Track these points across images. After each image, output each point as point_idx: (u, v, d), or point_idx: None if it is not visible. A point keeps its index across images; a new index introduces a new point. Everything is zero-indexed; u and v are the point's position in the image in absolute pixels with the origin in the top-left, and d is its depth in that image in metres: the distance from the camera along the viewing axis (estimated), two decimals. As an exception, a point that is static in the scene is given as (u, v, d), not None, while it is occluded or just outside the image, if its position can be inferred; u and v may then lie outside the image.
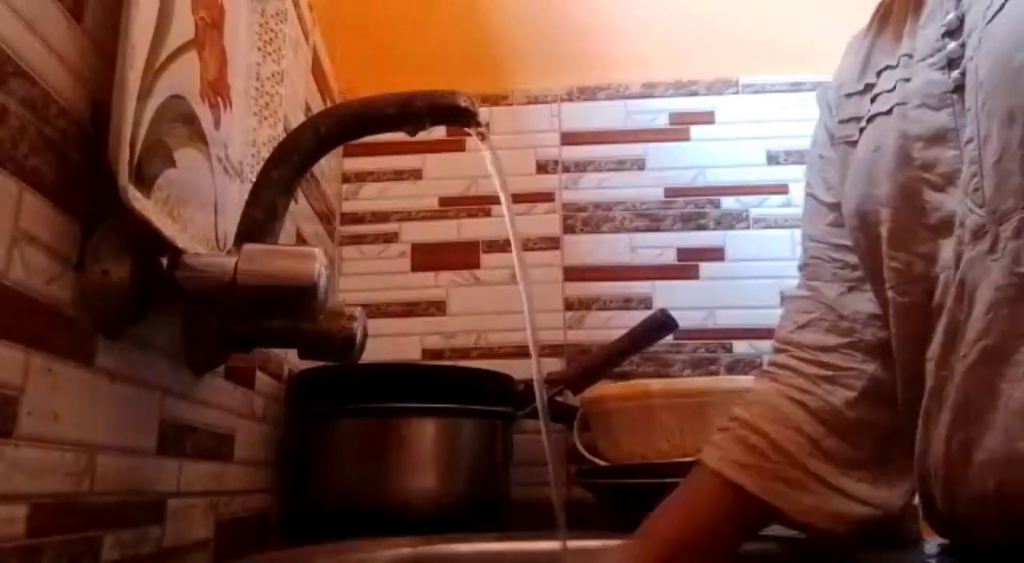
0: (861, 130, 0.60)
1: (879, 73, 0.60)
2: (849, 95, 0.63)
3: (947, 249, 0.51)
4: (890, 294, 0.56)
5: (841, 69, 0.68)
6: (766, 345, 0.85)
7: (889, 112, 0.56)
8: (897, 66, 0.58)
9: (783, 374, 0.64)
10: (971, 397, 0.48)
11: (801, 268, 0.70)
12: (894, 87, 0.57)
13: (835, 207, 0.65)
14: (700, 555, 0.58)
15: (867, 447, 0.61)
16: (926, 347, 0.53)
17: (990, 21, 0.49)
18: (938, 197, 0.52)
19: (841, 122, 0.64)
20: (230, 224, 0.62)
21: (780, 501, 0.58)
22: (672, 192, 1.19)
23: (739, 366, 1.11)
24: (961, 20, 0.52)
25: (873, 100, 0.59)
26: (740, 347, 1.12)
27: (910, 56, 0.56)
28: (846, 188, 0.61)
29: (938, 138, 0.52)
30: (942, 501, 0.52)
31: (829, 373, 0.62)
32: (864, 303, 0.62)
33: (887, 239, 0.55)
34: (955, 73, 0.52)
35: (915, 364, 0.54)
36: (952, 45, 0.52)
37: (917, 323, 0.53)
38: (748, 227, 1.17)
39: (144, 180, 0.47)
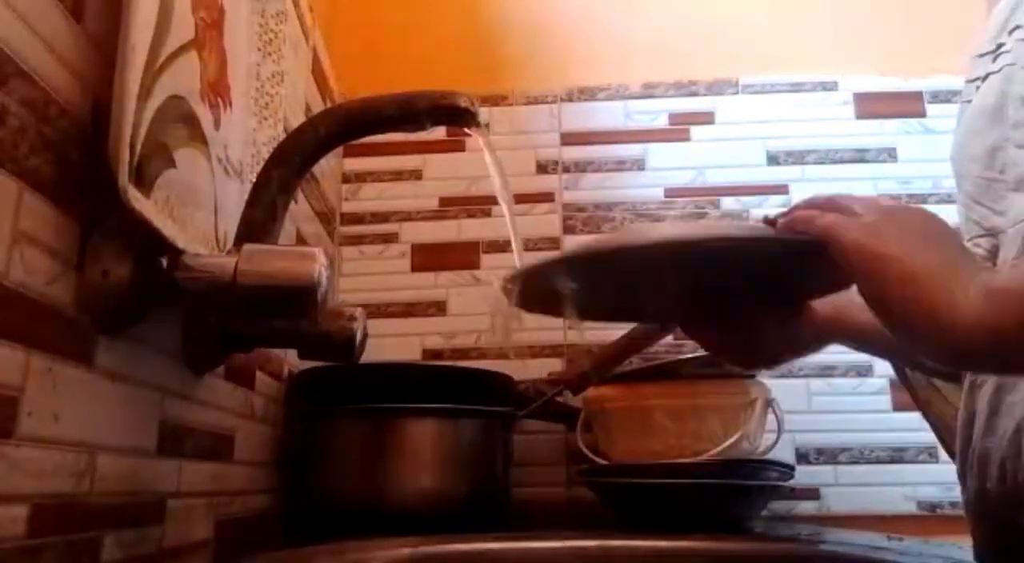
0: (977, 88, 0.60)
1: (1011, 31, 0.59)
2: (981, 55, 0.62)
3: (1019, 205, 0.52)
4: (968, 245, 0.56)
5: (985, 29, 0.66)
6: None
7: (999, 71, 0.57)
8: (1023, 26, 0.57)
9: None
10: None
11: None
12: (1012, 48, 0.57)
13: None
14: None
15: None
16: None
17: None
18: (1019, 154, 0.53)
19: (968, 82, 0.63)
20: (230, 224, 0.62)
21: None
22: (672, 192, 1.19)
23: (739, 366, 1.11)
24: None
25: (995, 59, 0.59)
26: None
27: None
28: (952, 141, 0.62)
29: None
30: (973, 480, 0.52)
31: None
32: None
33: (969, 192, 0.57)
34: None
35: None
36: None
37: None
38: (748, 227, 1.17)
39: (144, 180, 0.47)
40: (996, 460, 0.51)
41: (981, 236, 0.55)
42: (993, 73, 0.58)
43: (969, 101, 0.62)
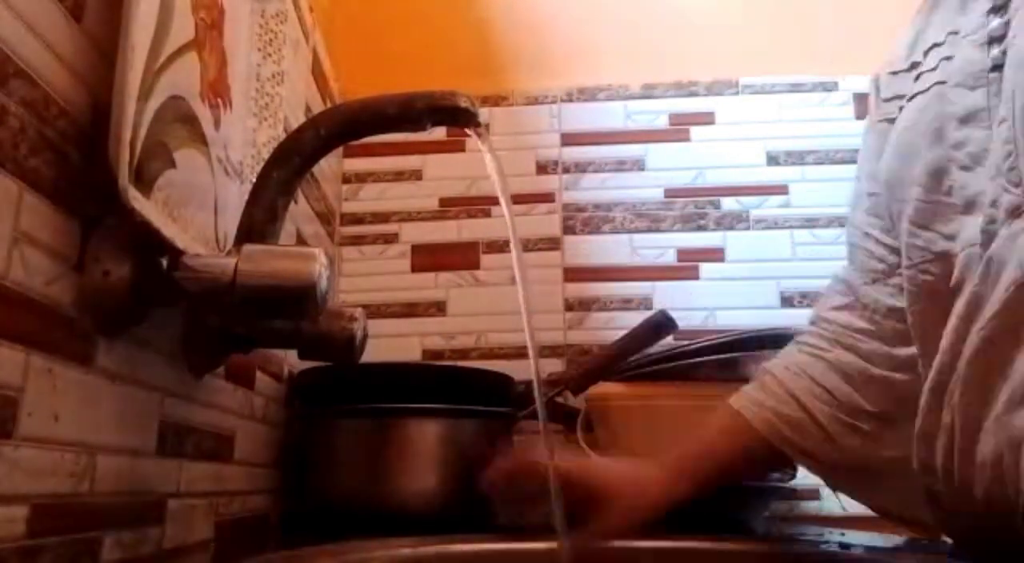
0: (901, 109, 0.60)
1: (927, 51, 0.59)
2: (895, 73, 0.63)
3: (971, 228, 0.50)
4: (909, 273, 0.56)
5: (894, 47, 0.67)
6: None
7: (927, 91, 0.56)
8: (943, 44, 0.57)
9: (811, 341, 0.67)
10: (980, 372, 0.48)
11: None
12: (936, 66, 0.56)
13: (872, 195, 0.66)
14: (707, 478, 0.63)
15: (878, 403, 0.63)
16: (941, 327, 0.53)
17: None
18: (964, 176, 0.52)
19: (885, 101, 0.64)
20: (230, 225, 0.62)
21: (781, 441, 0.63)
22: (672, 193, 1.19)
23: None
24: None
25: (917, 78, 0.59)
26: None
27: (956, 33, 0.56)
28: (881, 165, 0.62)
29: (971, 118, 0.51)
30: (947, 493, 0.52)
31: (854, 343, 0.65)
32: (885, 296, 0.63)
33: (911, 216, 0.56)
34: (995, 51, 0.51)
35: (931, 344, 0.54)
36: (996, 22, 0.51)
37: (936, 302, 0.53)
38: (748, 228, 1.17)
39: (144, 181, 0.47)
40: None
41: (929, 261, 0.54)
42: (921, 92, 0.57)
43: (891, 120, 0.62)
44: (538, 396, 0.66)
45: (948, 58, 0.55)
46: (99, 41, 0.46)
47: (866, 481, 0.64)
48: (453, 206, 1.20)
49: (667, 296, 1.14)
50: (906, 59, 0.62)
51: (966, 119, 0.52)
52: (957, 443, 0.50)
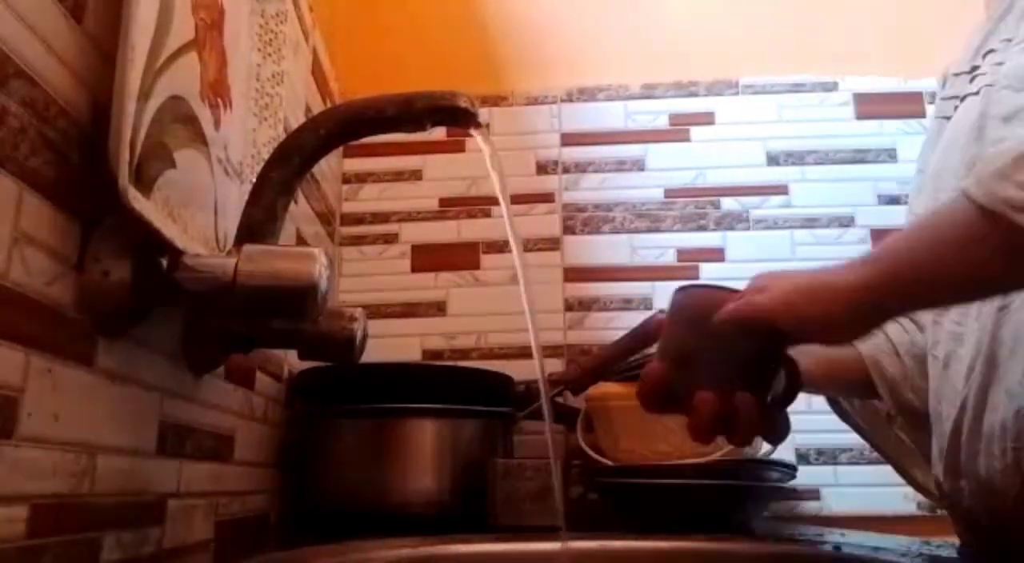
0: (956, 108, 0.63)
1: (985, 55, 0.62)
2: (957, 74, 0.66)
3: None
4: None
5: (963, 48, 0.70)
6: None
7: (977, 93, 0.59)
8: (997, 50, 0.60)
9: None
10: (995, 348, 0.52)
11: None
12: (987, 71, 0.60)
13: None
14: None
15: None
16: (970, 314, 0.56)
17: None
18: None
19: (943, 99, 0.67)
20: (230, 225, 0.62)
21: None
22: (672, 193, 1.19)
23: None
24: None
25: (972, 81, 0.62)
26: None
27: (1009, 40, 0.58)
28: (932, 157, 0.65)
29: (1012, 117, 0.54)
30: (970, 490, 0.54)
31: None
32: None
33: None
34: None
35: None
36: None
37: None
38: (748, 228, 1.17)
39: (144, 181, 0.47)
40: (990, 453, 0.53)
41: None
42: (972, 94, 0.61)
43: (947, 117, 0.65)
44: (544, 396, 0.67)
45: (999, 63, 0.58)
46: (99, 41, 0.46)
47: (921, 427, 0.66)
48: (453, 206, 1.20)
49: (667, 296, 1.13)
50: (969, 62, 0.65)
51: (1007, 119, 0.54)
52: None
